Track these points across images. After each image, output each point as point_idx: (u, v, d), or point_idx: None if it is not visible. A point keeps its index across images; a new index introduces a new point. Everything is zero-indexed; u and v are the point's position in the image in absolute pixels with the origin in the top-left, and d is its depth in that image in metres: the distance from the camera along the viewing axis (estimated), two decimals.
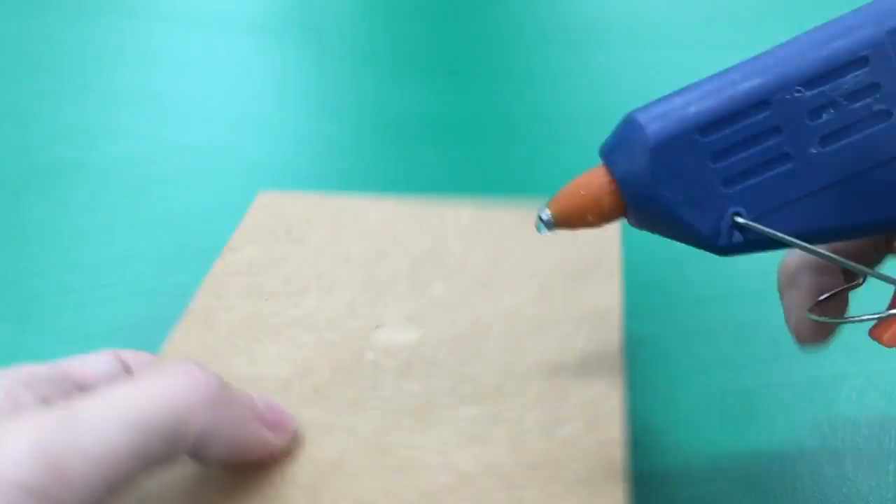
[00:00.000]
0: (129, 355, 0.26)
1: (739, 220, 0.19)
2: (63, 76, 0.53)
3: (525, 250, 0.30)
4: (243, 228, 0.32)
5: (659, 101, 0.20)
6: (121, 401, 0.19)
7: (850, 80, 0.19)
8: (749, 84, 0.19)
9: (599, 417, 0.24)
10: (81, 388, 0.23)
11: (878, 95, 0.19)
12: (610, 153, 0.20)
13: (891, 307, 0.21)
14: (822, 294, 0.24)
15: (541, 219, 0.21)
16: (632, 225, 0.21)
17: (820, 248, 0.20)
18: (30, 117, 0.49)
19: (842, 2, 0.66)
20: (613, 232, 0.30)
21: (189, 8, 0.61)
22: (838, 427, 0.30)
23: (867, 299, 0.23)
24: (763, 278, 0.36)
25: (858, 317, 0.21)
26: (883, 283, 0.20)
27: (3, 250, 0.40)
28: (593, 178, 0.20)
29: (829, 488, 0.28)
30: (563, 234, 0.28)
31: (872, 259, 0.25)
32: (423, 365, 0.26)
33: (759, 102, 0.19)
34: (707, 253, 0.20)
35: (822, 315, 0.23)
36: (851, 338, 0.31)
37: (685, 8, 0.60)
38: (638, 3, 0.61)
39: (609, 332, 0.27)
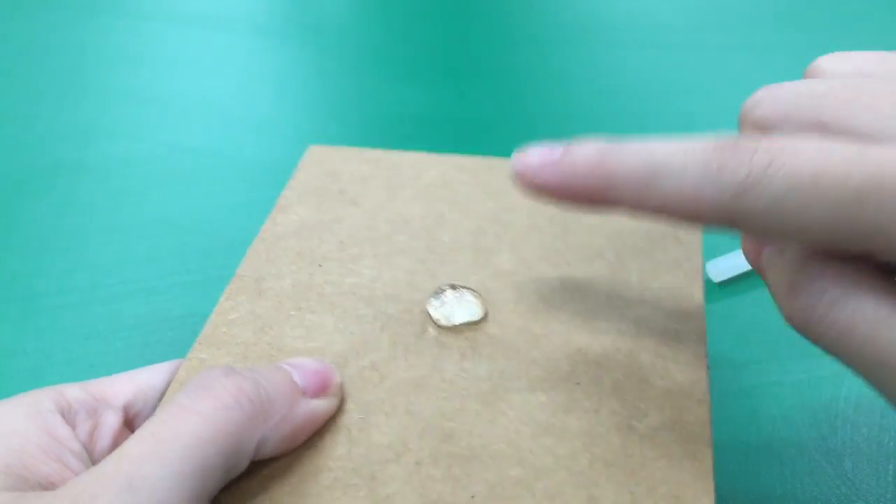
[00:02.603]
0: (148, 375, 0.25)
1: None
2: (63, 76, 0.53)
3: (594, 217, 0.28)
4: (293, 186, 0.30)
5: None
6: (171, 454, 0.18)
7: None
8: None
9: (682, 412, 0.22)
10: (122, 410, 0.23)
11: None
12: None
13: None
14: None
15: None
16: None
17: None
18: (30, 117, 0.49)
19: (834, 4, 0.66)
20: None
21: (189, 8, 0.61)
22: (838, 427, 0.30)
23: None
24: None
25: None
26: None
27: (3, 250, 0.40)
28: None
29: (828, 488, 0.28)
30: None
31: None
32: (489, 345, 0.24)
33: None
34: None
35: None
36: None
37: (685, 8, 0.60)
38: (638, 3, 0.61)
39: (689, 315, 0.25)
